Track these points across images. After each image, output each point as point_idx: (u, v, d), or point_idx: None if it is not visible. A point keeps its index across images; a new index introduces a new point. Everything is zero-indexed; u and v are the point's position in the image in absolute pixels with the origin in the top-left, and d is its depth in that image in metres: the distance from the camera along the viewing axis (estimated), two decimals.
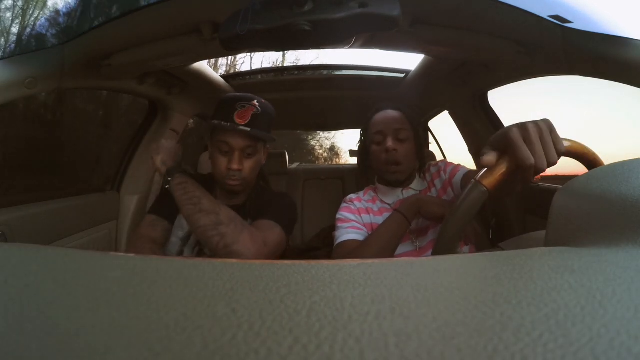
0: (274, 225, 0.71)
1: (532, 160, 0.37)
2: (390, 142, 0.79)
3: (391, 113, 0.83)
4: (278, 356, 0.10)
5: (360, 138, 0.91)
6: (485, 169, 0.39)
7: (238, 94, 0.78)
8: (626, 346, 0.10)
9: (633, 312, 0.12)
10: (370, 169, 0.88)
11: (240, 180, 0.75)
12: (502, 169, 0.38)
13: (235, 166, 0.72)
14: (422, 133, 0.90)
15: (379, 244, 0.68)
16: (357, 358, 0.10)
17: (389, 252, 0.68)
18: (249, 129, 0.70)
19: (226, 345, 0.11)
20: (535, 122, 0.39)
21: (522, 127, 0.38)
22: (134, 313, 0.13)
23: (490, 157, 0.39)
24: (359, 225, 0.77)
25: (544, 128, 0.38)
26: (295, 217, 0.81)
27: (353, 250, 0.72)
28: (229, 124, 0.70)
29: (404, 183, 0.83)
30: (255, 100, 0.75)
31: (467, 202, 0.39)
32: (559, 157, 0.38)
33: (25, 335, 0.11)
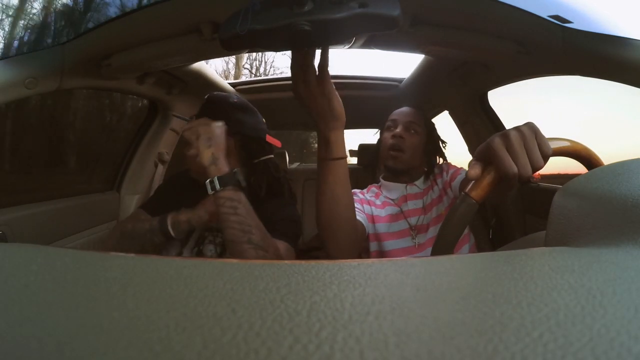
0: (289, 249, 0.69)
1: (514, 169, 0.37)
2: (399, 129, 0.82)
3: (407, 109, 0.88)
4: (278, 356, 0.10)
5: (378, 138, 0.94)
6: (473, 181, 0.40)
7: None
8: (626, 346, 0.10)
9: (633, 312, 0.12)
10: (376, 167, 0.90)
11: (195, 166, 0.72)
12: (488, 180, 0.39)
13: (190, 152, 0.73)
14: (436, 140, 0.91)
15: (326, 193, 0.52)
16: (357, 358, 0.10)
17: (347, 204, 0.54)
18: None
19: (226, 345, 0.11)
20: (518, 129, 0.39)
21: (504, 136, 0.38)
22: (134, 313, 0.13)
23: (474, 170, 0.39)
24: (359, 206, 0.78)
25: (527, 133, 0.38)
26: (301, 231, 0.79)
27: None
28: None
29: (408, 178, 0.85)
30: (207, 96, 0.76)
31: (457, 214, 0.39)
32: (546, 160, 0.38)
33: (25, 335, 0.11)
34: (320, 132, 0.49)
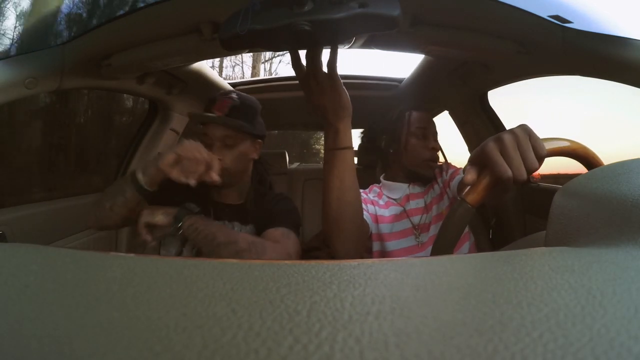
0: (289, 232, 0.72)
1: (509, 173, 0.37)
2: (432, 142, 0.85)
3: (429, 116, 0.90)
4: (278, 356, 0.10)
5: (386, 132, 0.91)
6: (469, 186, 0.40)
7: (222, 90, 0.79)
8: (626, 346, 0.10)
9: (633, 312, 0.12)
10: (394, 163, 0.88)
11: (221, 172, 0.71)
12: (484, 184, 0.39)
13: None
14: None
15: (334, 184, 0.52)
16: (357, 358, 0.10)
17: (354, 199, 0.54)
18: (217, 116, 0.71)
19: (226, 345, 0.11)
20: (511, 131, 0.39)
21: (498, 139, 0.39)
22: (134, 313, 0.13)
23: (470, 175, 0.40)
24: (364, 205, 0.78)
25: (521, 135, 0.38)
26: (300, 221, 0.81)
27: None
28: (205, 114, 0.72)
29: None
30: (234, 94, 0.76)
31: (454, 219, 0.39)
32: (540, 161, 0.38)
33: (25, 335, 0.11)
34: (330, 124, 0.51)
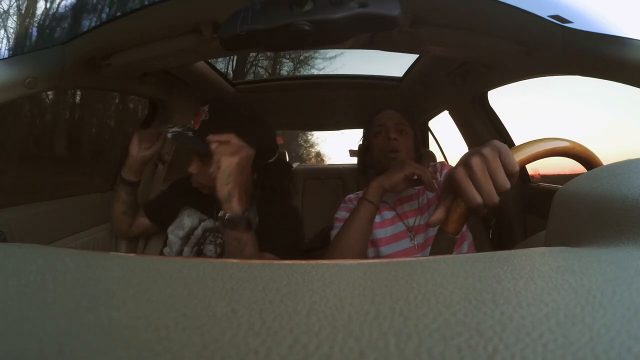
0: None
1: (478, 200, 0.36)
2: (391, 133, 0.83)
3: (392, 112, 0.88)
4: (278, 356, 0.10)
5: (362, 140, 0.94)
6: (447, 216, 0.39)
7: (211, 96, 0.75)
8: (626, 346, 0.10)
9: (633, 312, 0.12)
10: (370, 169, 0.89)
11: (197, 184, 0.74)
12: (459, 212, 0.38)
13: (189, 169, 0.73)
14: (420, 136, 0.93)
15: (349, 233, 0.68)
16: (357, 358, 0.10)
17: (360, 240, 0.69)
18: (168, 136, 0.70)
19: (226, 345, 0.11)
20: (480, 153, 0.37)
21: (466, 164, 0.38)
22: (134, 313, 0.13)
23: (436, 217, 0.39)
24: None
25: (489, 156, 0.37)
26: (303, 238, 0.81)
27: (330, 243, 0.73)
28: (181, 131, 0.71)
29: None
30: (208, 105, 0.71)
31: (438, 251, 0.39)
32: (512, 179, 0.37)
33: (25, 335, 0.11)
34: (378, 186, 0.71)
